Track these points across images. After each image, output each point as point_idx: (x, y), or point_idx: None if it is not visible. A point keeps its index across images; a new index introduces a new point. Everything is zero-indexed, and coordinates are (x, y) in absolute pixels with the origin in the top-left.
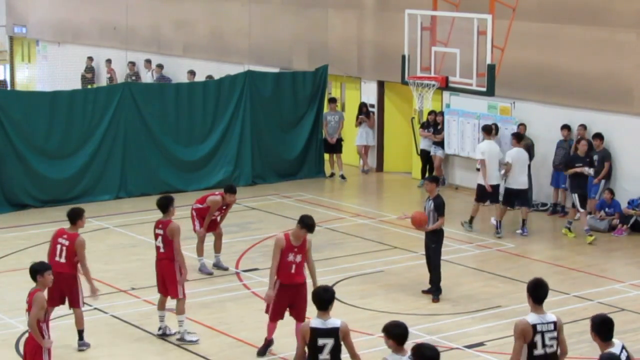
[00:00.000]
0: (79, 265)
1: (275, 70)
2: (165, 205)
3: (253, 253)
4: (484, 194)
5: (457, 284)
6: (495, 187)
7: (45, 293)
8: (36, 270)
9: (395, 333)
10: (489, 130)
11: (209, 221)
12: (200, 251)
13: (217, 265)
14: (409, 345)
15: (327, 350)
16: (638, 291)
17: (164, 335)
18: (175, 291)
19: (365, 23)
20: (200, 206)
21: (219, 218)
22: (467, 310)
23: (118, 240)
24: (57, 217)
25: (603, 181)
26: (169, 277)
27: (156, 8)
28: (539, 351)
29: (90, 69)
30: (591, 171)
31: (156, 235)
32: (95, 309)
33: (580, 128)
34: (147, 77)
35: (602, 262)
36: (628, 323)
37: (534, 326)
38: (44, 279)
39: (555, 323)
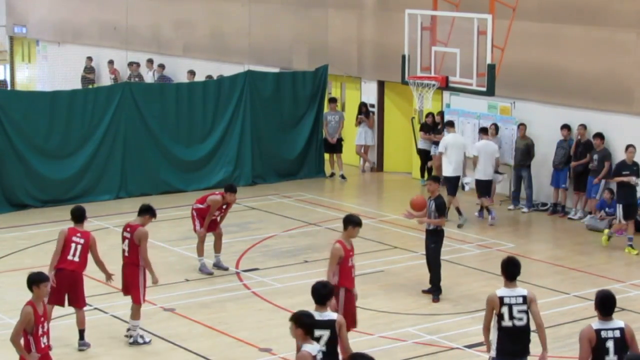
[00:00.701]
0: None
1: (276, 70)
2: (145, 210)
3: (253, 253)
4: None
5: (457, 284)
6: (454, 179)
7: (46, 296)
8: (33, 281)
9: (305, 323)
10: (453, 124)
11: (209, 221)
12: (200, 251)
13: (217, 265)
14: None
15: (323, 341)
16: (638, 291)
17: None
18: (138, 297)
19: (365, 23)
20: (200, 206)
21: (219, 218)
22: (467, 310)
23: (118, 240)
24: (57, 217)
25: (603, 181)
26: (131, 282)
27: (156, 8)
28: (506, 323)
29: (90, 69)
30: (638, 181)
31: (123, 238)
32: (95, 308)
33: (580, 128)
34: (148, 76)
35: (602, 262)
36: (628, 323)
37: (501, 298)
38: (39, 290)
39: (525, 297)
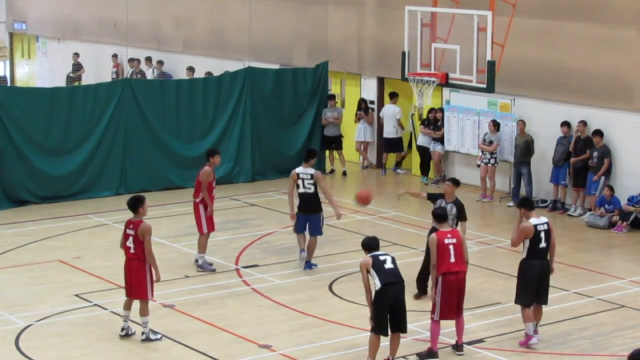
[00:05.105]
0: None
1: (276, 66)
2: (134, 205)
3: (253, 249)
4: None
5: None
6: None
7: None
8: None
9: None
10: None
11: (208, 193)
12: (202, 248)
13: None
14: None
15: (389, 261)
16: (638, 288)
17: (127, 335)
18: (144, 292)
19: (365, 19)
20: (197, 200)
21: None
22: (467, 307)
23: (118, 237)
24: (56, 213)
25: (603, 178)
26: (138, 277)
27: (156, 4)
28: (300, 190)
29: (77, 67)
30: None
31: (127, 236)
32: (95, 305)
33: (579, 124)
34: (148, 73)
35: (602, 259)
36: (628, 320)
37: (298, 174)
38: None
39: (312, 175)
